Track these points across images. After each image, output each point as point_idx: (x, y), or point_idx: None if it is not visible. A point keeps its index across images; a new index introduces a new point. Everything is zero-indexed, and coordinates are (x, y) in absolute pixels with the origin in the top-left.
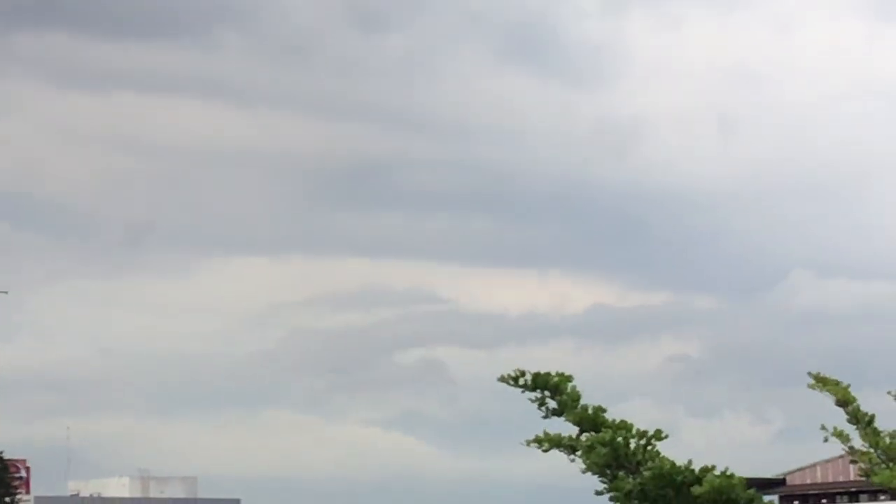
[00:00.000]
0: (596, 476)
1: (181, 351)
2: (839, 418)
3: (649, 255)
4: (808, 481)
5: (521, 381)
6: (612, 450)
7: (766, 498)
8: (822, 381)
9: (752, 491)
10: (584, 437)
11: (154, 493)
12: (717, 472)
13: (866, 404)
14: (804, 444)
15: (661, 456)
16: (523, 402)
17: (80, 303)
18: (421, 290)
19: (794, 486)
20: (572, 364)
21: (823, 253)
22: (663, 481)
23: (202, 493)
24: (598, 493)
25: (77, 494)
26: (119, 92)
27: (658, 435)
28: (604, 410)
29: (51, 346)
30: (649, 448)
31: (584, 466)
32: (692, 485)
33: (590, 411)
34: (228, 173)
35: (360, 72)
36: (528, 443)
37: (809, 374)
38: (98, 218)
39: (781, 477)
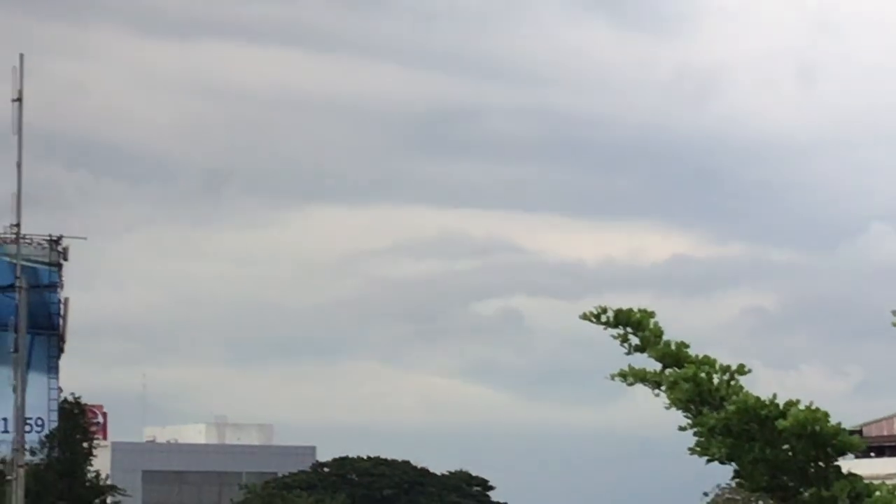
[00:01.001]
0: (680, 411)
1: (258, 299)
2: None
3: (727, 205)
4: (885, 433)
5: (603, 318)
6: (694, 385)
7: None
8: None
9: (837, 424)
10: (667, 372)
11: (230, 439)
12: (801, 407)
13: None
14: (882, 398)
15: (744, 391)
16: (603, 349)
17: (157, 251)
18: (499, 239)
19: (871, 437)
20: None
21: None
22: (747, 416)
23: (277, 441)
24: (682, 428)
25: (153, 440)
26: (199, 39)
27: (741, 370)
28: (687, 346)
29: (128, 294)
30: (732, 383)
31: (667, 402)
32: (776, 419)
33: (672, 347)
34: (307, 121)
35: (440, 19)
36: (613, 376)
37: (894, 312)
38: (177, 166)
39: (858, 428)
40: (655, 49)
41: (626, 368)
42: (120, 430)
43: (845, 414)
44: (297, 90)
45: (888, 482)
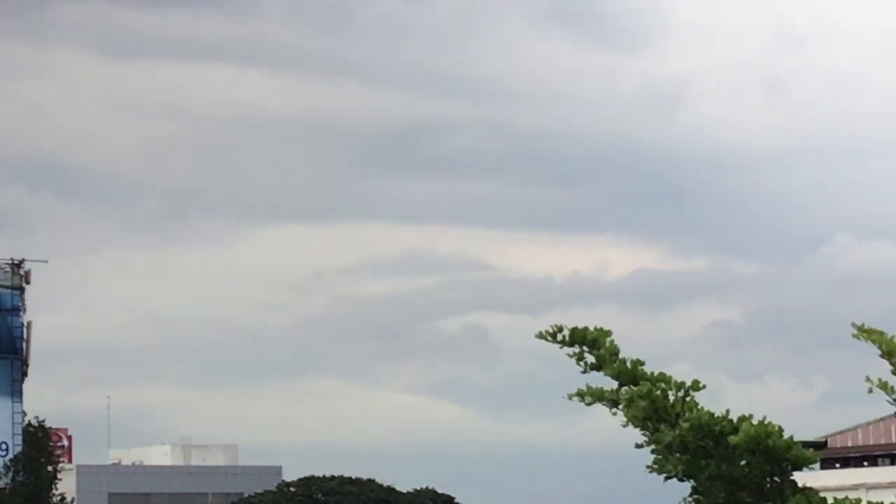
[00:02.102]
0: (637, 429)
1: (223, 319)
2: (884, 372)
3: (692, 219)
4: (850, 444)
5: (559, 337)
6: (650, 402)
7: None
8: (866, 332)
9: (789, 438)
10: (623, 390)
11: (195, 460)
12: (754, 422)
13: None
14: (847, 408)
15: (698, 407)
16: (564, 366)
17: (121, 273)
18: (464, 255)
19: (836, 448)
20: (615, 329)
21: (866, 217)
22: (701, 432)
23: (243, 461)
24: (638, 446)
25: (119, 462)
26: (161, 59)
27: (696, 385)
28: (642, 363)
29: (93, 315)
30: (688, 399)
31: (625, 420)
32: (730, 435)
33: (628, 365)
34: (271, 140)
35: (403, 37)
36: (571, 396)
37: (853, 324)
38: (140, 187)
39: (823, 439)
40: (621, 63)
41: (584, 388)
42: (85, 452)
43: (811, 425)
44: (260, 109)
45: (850, 495)
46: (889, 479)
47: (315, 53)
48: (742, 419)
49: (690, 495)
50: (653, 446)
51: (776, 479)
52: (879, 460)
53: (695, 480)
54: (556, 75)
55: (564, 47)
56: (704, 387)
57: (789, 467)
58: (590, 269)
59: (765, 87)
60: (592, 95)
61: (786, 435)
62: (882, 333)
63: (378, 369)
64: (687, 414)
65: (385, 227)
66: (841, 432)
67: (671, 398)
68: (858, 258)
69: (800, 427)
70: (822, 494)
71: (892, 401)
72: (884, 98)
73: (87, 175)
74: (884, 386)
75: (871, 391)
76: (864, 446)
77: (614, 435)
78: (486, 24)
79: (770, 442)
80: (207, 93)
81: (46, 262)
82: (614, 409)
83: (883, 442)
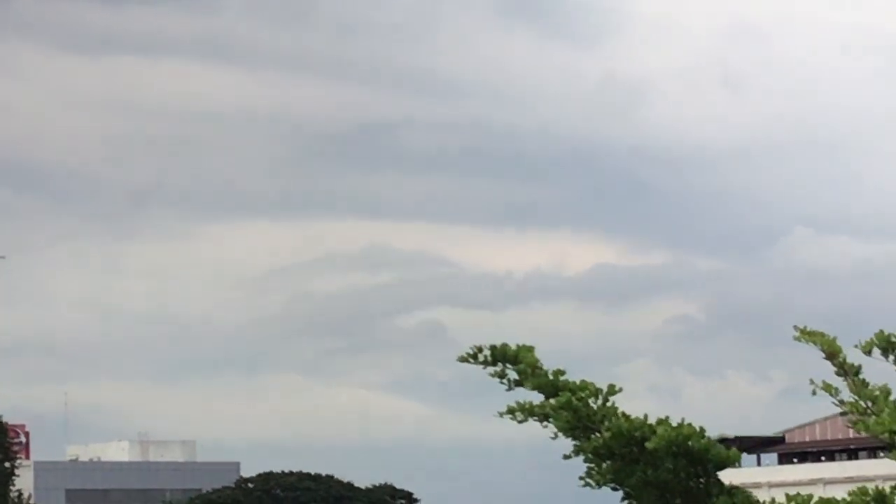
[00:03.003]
0: (569, 439)
1: (182, 315)
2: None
3: (652, 214)
4: (808, 439)
5: (480, 357)
6: (572, 412)
7: (765, 457)
8: (807, 334)
9: (707, 439)
10: (549, 402)
11: (153, 456)
12: (673, 424)
13: (870, 367)
14: (807, 403)
15: (617, 412)
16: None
17: (80, 268)
18: (423, 251)
19: (793, 444)
20: (575, 324)
21: (825, 211)
22: (623, 439)
23: (201, 457)
24: (566, 456)
25: (77, 459)
26: (119, 55)
27: (612, 390)
28: (563, 373)
29: (51, 311)
30: (607, 405)
31: (554, 432)
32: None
33: (549, 376)
34: (229, 135)
35: (362, 32)
36: (502, 414)
37: (795, 327)
38: (99, 182)
39: (780, 435)
40: (581, 58)
41: (514, 405)
42: (42, 449)
43: (770, 420)
44: (218, 104)
45: (807, 490)
46: (846, 475)
47: (273, 48)
48: (660, 422)
49: (622, 500)
50: (582, 455)
51: (702, 480)
52: (837, 455)
53: (626, 487)
54: (515, 71)
55: (524, 43)
56: (621, 390)
57: (713, 468)
58: (549, 264)
59: (724, 82)
60: (552, 91)
61: (746, 431)
62: (824, 335)
63: (336, 365)
64: (606, 423)
65: (344, 222)
66: (799, 427)
67: (593, 405)
68: (817, 252)
69: (759, 421)
70: (778, 489)
71: (837, 402)
72: (843, 93)
73: (46, 170)
74: (828, 388)
75: (814, 393)
76: (821, 441)
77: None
78: (446, 20)
79: (690, 444)
80: (166, 88)
81: (3, 257)
82: (545, 423)
83: (840, 437)
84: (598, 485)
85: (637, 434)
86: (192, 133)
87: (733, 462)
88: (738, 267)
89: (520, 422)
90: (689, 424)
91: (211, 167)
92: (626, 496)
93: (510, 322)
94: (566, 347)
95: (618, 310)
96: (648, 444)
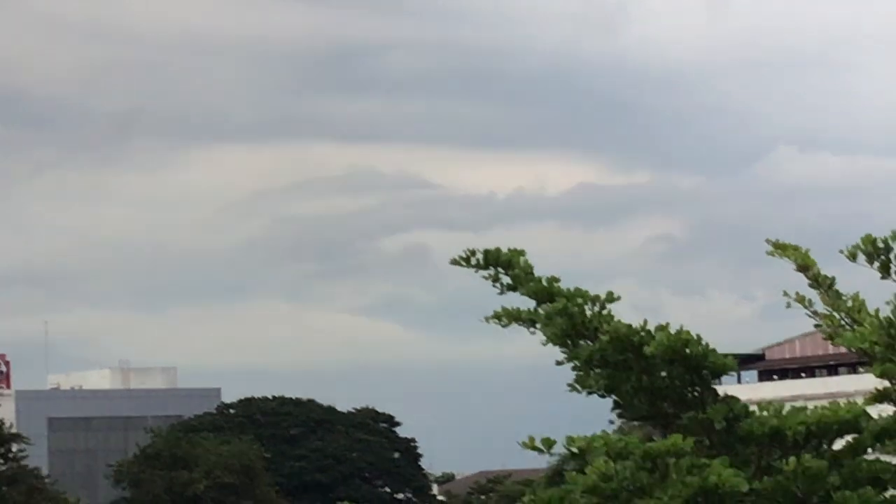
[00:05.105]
0: (557, 347)
1: (163, 242)
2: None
3: (634, 133)
4: (787, 356)
5: (473, 261)
6: (567, 318)
7: (745, 374)
8: (780, 248)
9: (705, 346)
10: (540, 308)
11: (134, 384)
12: (671, 331)
13: (852, 281)
14: (788, 321)
15: (616, 319)
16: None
17: (62, 196)
18: (406, 174)
19: (773, 360)
20: (557, 244)
21: (807, 128)
22: (620, 345)
23: (182, 384)
24: (559, 363)
25: (58, 387)
26: None
27: (610, 297)
28: (557, 280)
29: (32, 240)
30: (604, 312)
31: (544, 339)
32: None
33: (544, 283)
34: (209, 61)
35: None
36: (488, 319)
37: (767, 240)
38: (81, 110)
39: (760, 352)
40: None
41: (500, 310)
42: (23, 378)
43: (753, 338)
44: (198, 31)
45: (776, 404)
46: (826, 391)
47: None
48: (659, 328)
49: (613, 409)
50: (573, 363)
51: (697, 388)
52: (817, 371)
53: (616, 394)
54: None
55: None
56: (619, 298)
57: (709, 376)
58: (532, 185)
59: (705, 1)
60: (535, 12)
61: (726, 349)
62: (796, 248)
63: (318, 290)
64: (605, 326)
65: (326, 146)
66: (778, 344)
67: (588, 313)
68: (800, 169)
69: (742, 340)
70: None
71: (811, 314)
72: (825, 11)
73: (27, 99)
74: (801, 300)
75: (789, 305)
76: (801, 358)
77: (553, 350)
78: None
79: (687, 350)
80: (146, 15)
81: None
82: (532, 329)
83: (820, 353)
84: (588, 392)
85: (635, 339)
86: (172, 59)
87: (729, 370)
88: (721, 185)
89: (504, 326)
90: (688, 331)
91: (191, 93)
92: (616, 405)
93: (494, 243)
94: (549, 267)
95: (600, 229)
96: (647, 350)
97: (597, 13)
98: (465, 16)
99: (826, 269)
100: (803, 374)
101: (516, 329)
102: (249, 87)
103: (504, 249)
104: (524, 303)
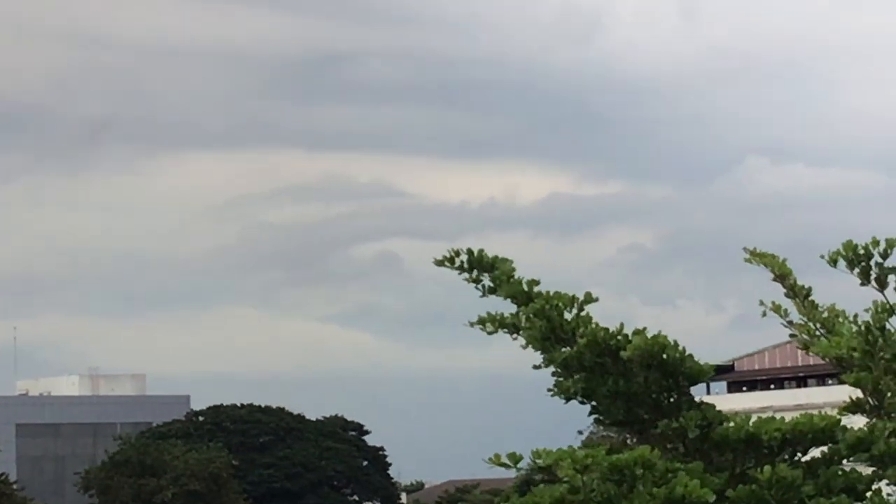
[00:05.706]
0: (538, 352)
1: (133, 248)
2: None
3: (606, 143)
4: (757, 367)
5: (457, 262)
6: (546, 321)
7: (714, 385)
8: (757, 256)
9: (681, 351)
10: (520, 311)
11: (104, 390)
12: (648, 336)
13: (825, 293)
14: (758, 331)
15: (593, 322)
16: (476, 293)
17: (33, 202)
18: (378, 182)
19: (743, 371)
20: (529, 254)
21: (777, 140)
22: (597, 348)
23: (151, 391)
24: (536, 367)
25: (26, 393)
26: None
27: (588, 298)
28: (537, 283)
29: (2, 245)
30: (582, 314)
31: (524, 343)
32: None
33: (524, 285)
34: (181, 68)
35: None
36: (472, 324)
37: (745, 249)
38: (52, 116)
39: (730, 363)
40: None
41: (485, 315)
42: None
43: (723, 349)
44: (171, 37)
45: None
46: (795, 402)
47: None
48: (636, 332)
49: (590, 414)
50: (552, 368)
51: (673, 394)
52: (786, 383)
53: (594, 399)
54: (469, 0)
55: None
56: (598, 299)
57: (685, 382)
58: (504, 194)
59: (678, 11)
60: (508, 21)
61: (699, 359)
62: (774, 257)
63: (289, 297)
64: (582, 329)
65: (298, 154)
66: (748, 355)
67: (567, 316)
68: (770, 181)
69: (712, 351)
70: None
71: (786, 323)
72: (797, 21)
73: None
74: (777, 309)
75: (765, 314)
76: (770, 369)
77: (526, 358)
78: None
79: (664, 356)
80: (118, 20)
81: None
82: (515, 335)
83: (789, 364)
84: (566, 398)
85: (612, 343)
86: (145, 65)
87: (706, 376)
88: (692, 196)
89: (489, 333)
90: (665, 336)
91: (164, 100)
92: (594, 410)
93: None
94: (520, 277)
95: (572, 239)
96: (623, 354)
97: (570, 23)
98: (438, 25)
99: (800, 280)
100: (773, 386)
101: (489, 339)
102: (223, 95)
103: (489, 254)
104: (503, 306)
